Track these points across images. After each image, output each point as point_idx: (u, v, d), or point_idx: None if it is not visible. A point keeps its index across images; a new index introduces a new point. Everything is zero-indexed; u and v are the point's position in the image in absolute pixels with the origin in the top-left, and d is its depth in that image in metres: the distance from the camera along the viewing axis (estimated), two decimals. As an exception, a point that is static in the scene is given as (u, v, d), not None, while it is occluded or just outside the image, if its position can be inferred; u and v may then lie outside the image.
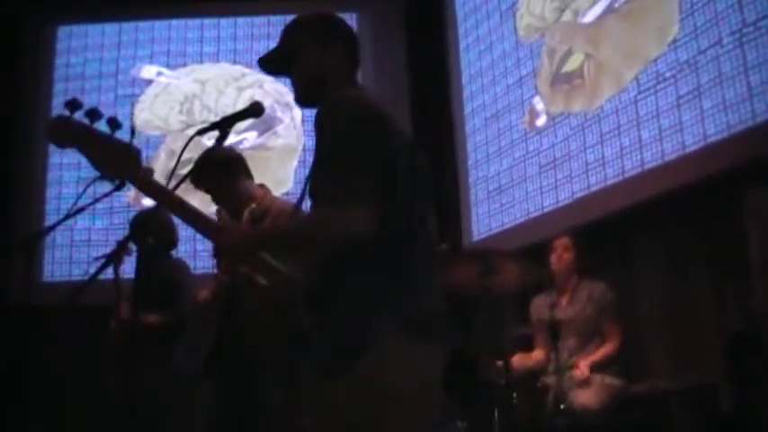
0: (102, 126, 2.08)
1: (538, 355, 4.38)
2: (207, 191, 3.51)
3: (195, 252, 5.56)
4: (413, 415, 1.91)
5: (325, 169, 1.98)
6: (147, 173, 2.14)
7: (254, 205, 3.40)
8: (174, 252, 4.59)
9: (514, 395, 3.92)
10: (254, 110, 2.19)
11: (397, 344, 1.87)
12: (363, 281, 1.92)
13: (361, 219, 1.86)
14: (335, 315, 1.94)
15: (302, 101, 2.26)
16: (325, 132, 2.00)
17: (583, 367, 4.00)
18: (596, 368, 4.03)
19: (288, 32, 2.30)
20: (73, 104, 2.02)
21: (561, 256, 4.33)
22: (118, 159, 2.06)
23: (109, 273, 4.28)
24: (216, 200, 3.53)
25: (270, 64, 2.31)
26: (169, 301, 4.26)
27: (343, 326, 1.91)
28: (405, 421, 1.89)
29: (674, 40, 4.29)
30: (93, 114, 2.04)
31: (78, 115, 2.04)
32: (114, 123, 2.06)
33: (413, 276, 1.96)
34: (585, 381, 3.95)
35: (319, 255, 2.01)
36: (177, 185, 2.13)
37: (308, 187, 2.11)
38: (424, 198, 2.06)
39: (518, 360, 4.25)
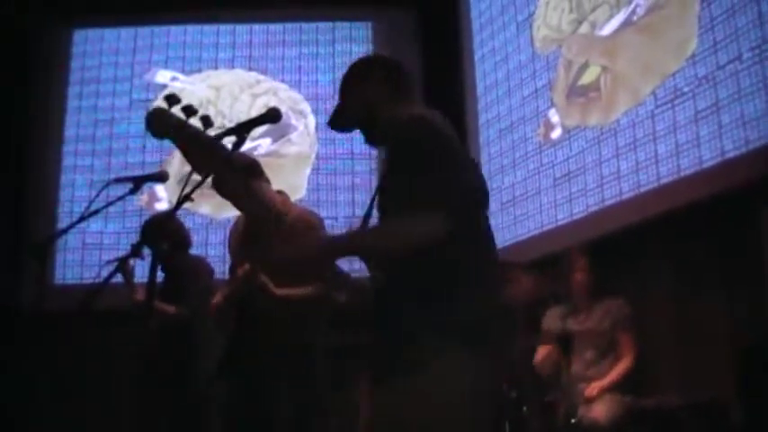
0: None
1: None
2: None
3: (207, 257, 5.53)
4: (464, 422, 1.93)
5: (401, 181, 2.05)
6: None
7: (279, 208, 3.37)
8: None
9: (525, 408, 3.91)
10: (272, 116, 2.20)
11: (453, 351, 1.90)
12: (421, 287, 1.97)
13: (435, 222, 1.95)
14: (392, 321, 1.98)
15: (368, 139, 2.36)
16: (398, 149, 2.10)
17: (594, 388, 3.98)
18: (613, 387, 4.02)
19: (341, 90, 2.41)
20: (171, 99, 2.10)
21: (581, 279, 4.31)
22: (207, 155, 2.16)
23: (121, 277, 4.32)
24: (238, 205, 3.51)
25: (337, 123, 2.42)
26: (183, 295, 4.27)
27: (401, 332, 1.96)
28: (456, 429, 1.91)
29: (693, 55, 4.27)
30: (189, 110, 2.11)
31: (175, 110, 2.13)
32: (207, 121, 2.15)
33: (470, 283, 2.01)
34: (590, 399, 3.93)
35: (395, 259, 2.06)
36: (193, 190, 2.12)
37: (376, 202, 2.19)
38: (483, 206, 2.21)
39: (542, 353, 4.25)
